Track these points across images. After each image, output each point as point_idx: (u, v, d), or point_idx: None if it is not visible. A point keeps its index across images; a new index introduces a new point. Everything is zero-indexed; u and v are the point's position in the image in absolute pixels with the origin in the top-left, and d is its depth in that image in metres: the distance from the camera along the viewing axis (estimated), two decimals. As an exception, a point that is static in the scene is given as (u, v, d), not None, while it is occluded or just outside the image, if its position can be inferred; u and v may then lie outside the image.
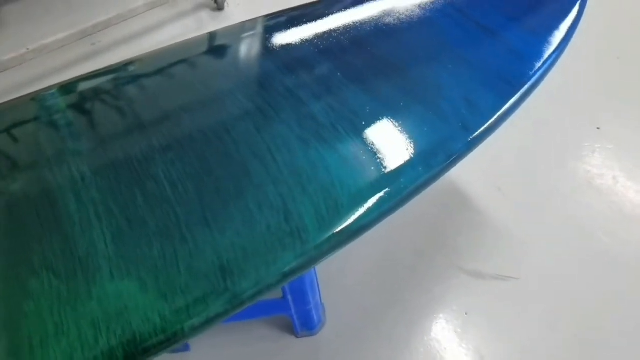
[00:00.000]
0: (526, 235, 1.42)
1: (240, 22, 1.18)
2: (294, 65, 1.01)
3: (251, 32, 1.14)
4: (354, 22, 1.14)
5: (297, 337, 1.20)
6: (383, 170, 0.82)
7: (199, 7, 2.28)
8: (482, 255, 1.37)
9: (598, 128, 1.76)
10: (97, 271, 0.68)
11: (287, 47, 1.07)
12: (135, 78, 1.02)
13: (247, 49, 1.10)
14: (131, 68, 1.04)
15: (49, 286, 0.66)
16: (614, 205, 1.51)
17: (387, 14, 1.17)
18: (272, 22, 1.17)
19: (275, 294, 1.10)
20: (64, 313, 0.64)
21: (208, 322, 0.66)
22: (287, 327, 1.21)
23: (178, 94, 0.96)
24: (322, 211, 0.75)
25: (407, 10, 1.17)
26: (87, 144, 0.86)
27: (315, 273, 1.13)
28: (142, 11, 2.11)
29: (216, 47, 1.13)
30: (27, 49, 1.84)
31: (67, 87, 0.99)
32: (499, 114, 0.94)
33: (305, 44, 1.08)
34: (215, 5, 2.26)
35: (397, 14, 1.16)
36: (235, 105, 0.92)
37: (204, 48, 1.13)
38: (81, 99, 0.97)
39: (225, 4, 2.26)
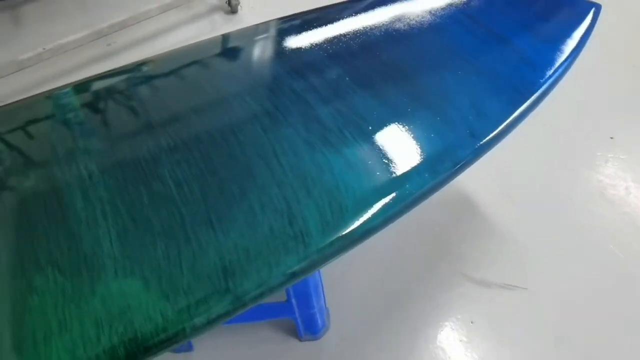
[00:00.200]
0: (535, 244, 1.40)
1: (253, 25, 1.20)
2: (303, 69, 1.01)
3: (262, 35, 1.15)
4: (364, 27, 1.14)
5: (300, 340, 1.20)
6: (389, 175, 0.81)
7: (212, 10, 2.31)
8: (489, 263, 1.36)
9: (611, 137, 1.73)
10: (101, 269, 0.68)
11: (297, 51, 1.08)
12: (148, 78, 1.04)
13: (258, 51, 1.11)
14: (144, 68, 1.06)
15: (54, 282, 0.67)
16: (627, 216, 1.48)
17: (397, 19, 1.16)
18: (283, 26, 1.18)
19: (279, 297, 1.10)
20: (68, 310, 0.65)
21: (210, 323, 0.66)
22: (291, 330, 1.21)
23: (188, 95, 0.97)
24: (327, 215, 0.75)
25: (417, 16, 1.17)
26: (97, 143, 0.87)
27: (320, 277, 1.13)
28: (157, 13, 2.14)
29: (228, 49, 1.15)
30: (44, 48, 1.88)
31: (81, 86, 1.01)
32: (507, 121, 0.93)
33: (315, 48, 1.08)
34: (229, 8, 2.29)
35: (408, 20, 1.16)
36: (243, 108, 0.92)
37: (216, 50, 1.14)
38: (94, 98, 0.99)
39: (239, 7, 2.29)
